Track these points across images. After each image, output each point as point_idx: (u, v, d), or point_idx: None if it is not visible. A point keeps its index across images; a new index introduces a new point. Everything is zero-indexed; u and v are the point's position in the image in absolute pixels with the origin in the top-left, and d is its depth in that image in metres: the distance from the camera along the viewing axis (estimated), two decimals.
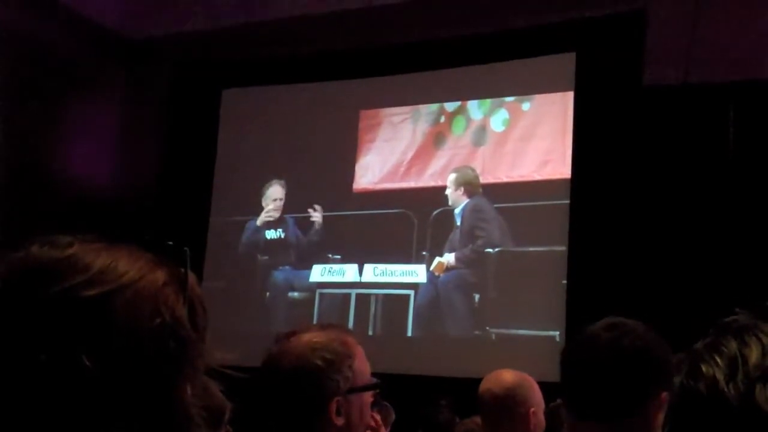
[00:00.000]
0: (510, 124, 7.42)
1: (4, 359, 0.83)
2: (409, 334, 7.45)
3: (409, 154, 7.76)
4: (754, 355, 0.84)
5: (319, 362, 1.83)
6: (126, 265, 0.87)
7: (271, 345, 1.92)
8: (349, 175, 7.95)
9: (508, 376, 3.06)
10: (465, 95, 7.63)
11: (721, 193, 6.27)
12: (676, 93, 6.57)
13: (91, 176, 7.75)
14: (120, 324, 0.84)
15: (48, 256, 0.87)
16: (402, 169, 7.76)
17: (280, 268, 8.09)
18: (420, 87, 7.74)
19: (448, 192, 7.45)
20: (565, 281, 6.81)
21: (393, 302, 7.52)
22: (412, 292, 7.46)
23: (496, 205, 7.27)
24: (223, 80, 8.60)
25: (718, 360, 0.85)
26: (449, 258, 7.36)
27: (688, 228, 6.31)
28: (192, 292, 0.91)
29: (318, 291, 7.83)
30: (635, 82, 6.70)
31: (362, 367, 1.89)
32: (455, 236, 7.38)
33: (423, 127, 7.77)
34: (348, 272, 7.71)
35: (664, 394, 1.67)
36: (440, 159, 7.63)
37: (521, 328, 6.98)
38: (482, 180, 7.38)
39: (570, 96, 7.12)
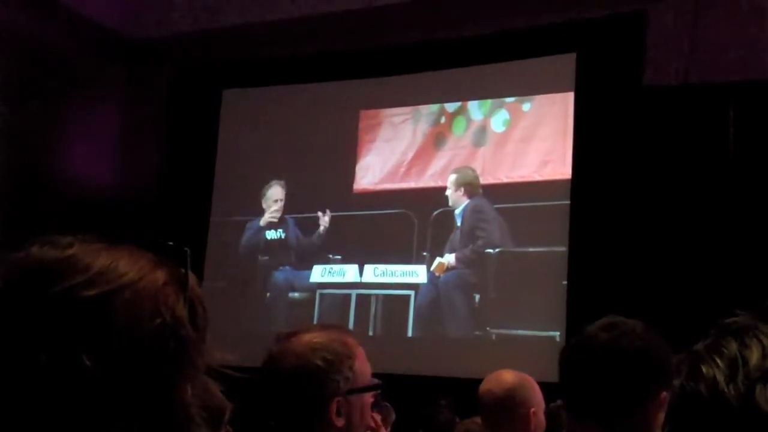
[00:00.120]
0: (510, 125, 7.42)
1: (5, 359, 0.83)
2: (410, 334, 7.46)
3: (410, 155, 7.76)
4: (754, 356, 0.84)
5: (319, 363, 1.82)
6: (126, 266, 0.87)
7: (272, 345, 1.92)
8: (350, 175, 7.95)
9: (508, 376, 3.06)
10: (465, 96, 7.63)
11: (721, 193, 6.27)
12: (676, 93, 6.58)
13: (91, 176, 7.75)
14: (120, 324, 0.84)
15: (48, 257, 0.87)
16: (402, 169, 7.76)
17: (281, 268, 8.09)
18: (420, 87, 7.74)
19: (448, 192, 7.45)
20: (565, 282, 6.82)
21: (393, 303, 7.52)
22: (412, 293, 7.46)
23: (496, 206, 7.27)
24: (224, 81, 8.60)
25: (719, 361, 0.85)
26: (449, 258, 7.36)
27: (689, 228, 6.31)
28: (192, 292, 0.91)
29: (318, 291, 7.83)
30: (635, 82, 6.71)
31: (363, 367, 1.88)
32: (455, 237, 7.38)
33: (423, 127, 7.76)
34: (348, 272, 7.71)
35: (664, 394, 1.67)
36: (440, 159, 7.63)
37: (521, 329, 6.98)
38: (482, 180, 7.39)
39: (570, 96, 7.13)
